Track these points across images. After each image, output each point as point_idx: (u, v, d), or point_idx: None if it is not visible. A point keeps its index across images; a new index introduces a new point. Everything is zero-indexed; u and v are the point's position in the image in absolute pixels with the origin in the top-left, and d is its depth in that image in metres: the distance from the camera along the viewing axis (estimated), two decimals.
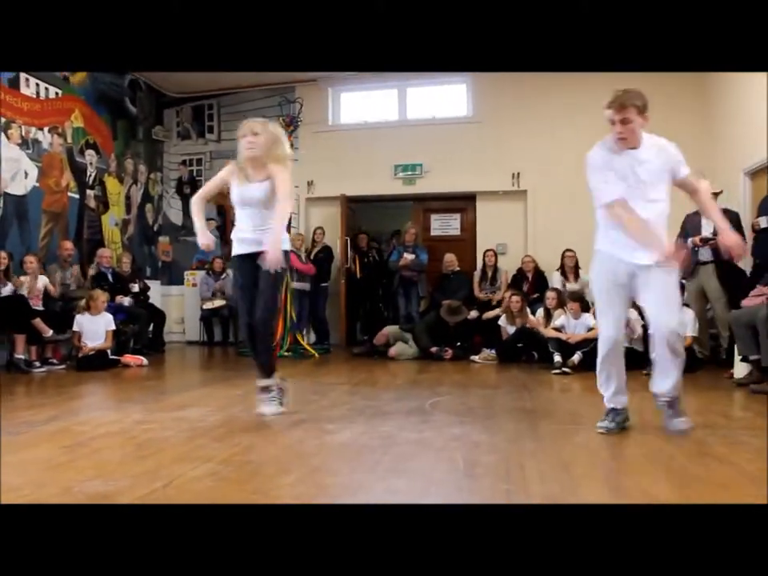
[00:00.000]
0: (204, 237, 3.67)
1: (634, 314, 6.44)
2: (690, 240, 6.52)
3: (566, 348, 6.15)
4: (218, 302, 9.00)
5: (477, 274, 8.51)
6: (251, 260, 3.63)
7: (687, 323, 6.04)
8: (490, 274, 8.37)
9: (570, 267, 7.87)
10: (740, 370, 5.27)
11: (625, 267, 3.20)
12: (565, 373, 5.86)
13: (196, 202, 3.80)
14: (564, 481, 2.42)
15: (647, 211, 3.11)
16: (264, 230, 3.60)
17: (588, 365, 6.11)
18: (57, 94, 7.71)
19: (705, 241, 6.38)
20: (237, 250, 3.76)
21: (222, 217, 9.95)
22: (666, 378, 3.31)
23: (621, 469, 2.63)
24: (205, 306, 9.07)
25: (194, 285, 9.49)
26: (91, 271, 7.58)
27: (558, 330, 6.38)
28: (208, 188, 3.86)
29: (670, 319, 3.17)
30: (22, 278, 6.39)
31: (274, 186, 3.59)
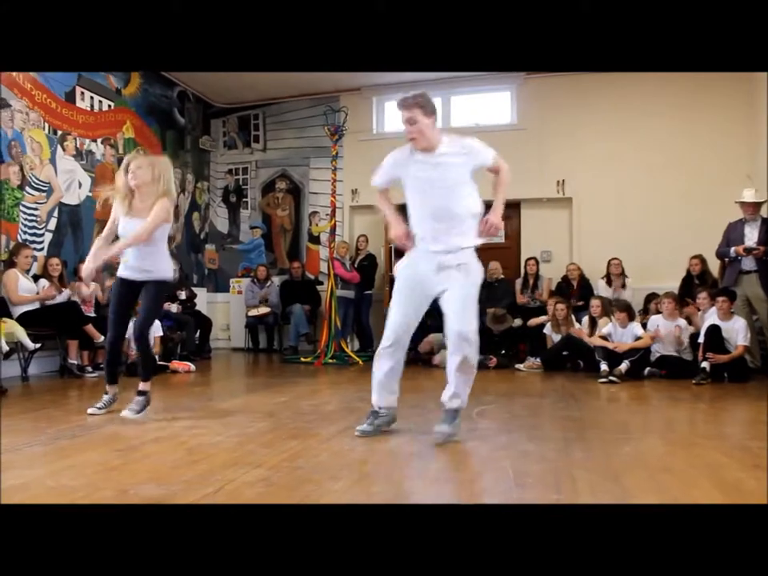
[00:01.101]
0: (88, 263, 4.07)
1: (682, 322, 6.34)
2: (732, 249, 6.41)
3: (613, 357, 6.07)
4: (263, 310, 9.10)
5: (519, 282, 8.45)
6: (128, 285, 4.02)
7: (738, 332, 5.91)
8: (531, 281, 8.31)
9: (616, 275, 7.78)
10: None
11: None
12: (612, 382, 5.77)
13: (100, 241, 4.11)
14: (615, 492, 2.39)
15: (454, 208, 3.19)
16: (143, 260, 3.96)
17: (636, 374, 6.04)
18: (109, 106, 7.93)
19: (748, 251, 6.27)
20: (120, 272, 4.09)
21: (268, 225, 10.08)
22: (453, 388, 3.33)
23: (673, 481, 2.58)
24: (250, 314, 9.18)
25: (240, 292, 9.62)
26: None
27: (604, 338, 6.30)
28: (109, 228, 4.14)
29: (463, 323, 3.16)
30: (76, 285, 6.58)
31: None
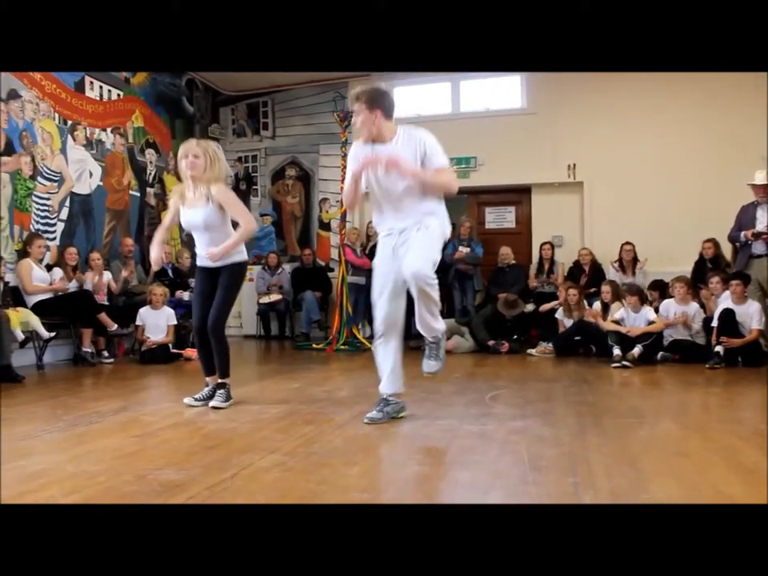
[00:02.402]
0: (154, 253, 4.00)
1: (695, 307, 6.32)
2: (742, 234, 6.37)
3: (625, 341, 6.06)
4: (275, 297, 9.11)
5: (533, 267, 8.43)
6: (207, 273, 3.95)
7: (753, 316, 5.88)
8: (546, 266, 8.28)
9: (628, 261, 7.75)
10: None
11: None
12: (625, 366, 5.76)
13: (159, 232, 4.10)
14: (631, 476, 2.39)
15: (404, 197, 3.31)
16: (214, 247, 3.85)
17: (648, 358, 6.02)
18: (119, 95, 7.93)
19: (757, 235, 6.23)
20: (199, 263, 4.06)
21: (278, 212, 10.08)
22: (418, 320, 3.38)
23: (689, 465, 2.57)
24: (261, 301, 9.19)
25: (251, 280, 9.61)
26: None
27: (617, 323, 6.29)
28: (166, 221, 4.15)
29: (414, 263, 3.19)
30: (88, 274, 6.62)
31: (215, 210, 3.82)
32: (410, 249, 3.27)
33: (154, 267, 4.17)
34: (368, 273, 8.72)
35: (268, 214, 10.10)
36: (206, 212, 3.80)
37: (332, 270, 9.38)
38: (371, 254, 8.84)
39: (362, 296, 8.74)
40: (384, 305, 3.40)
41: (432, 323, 3.40)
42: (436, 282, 3.27)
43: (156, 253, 3.98)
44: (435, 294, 3.30)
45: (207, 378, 4.03)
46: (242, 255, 3.97)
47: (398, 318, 3.45)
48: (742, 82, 7.94)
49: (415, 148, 3.29)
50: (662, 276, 7.27)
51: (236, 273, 3.95)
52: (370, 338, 8.28)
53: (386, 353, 3.44)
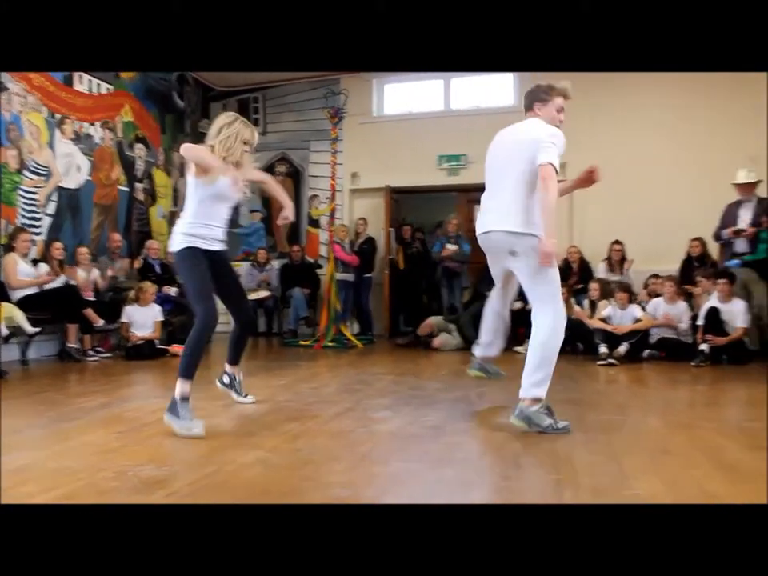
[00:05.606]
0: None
1: (683, 306, 6.34)
2: (724, 232, 6.41)
3: (612, 339, 6.07)
4: (263, 293, 9.09)
5: None
6: (207, 257, 3.37)
7: (738, 314, 5.91)
8: None
9: (617, 260, 7.76)
10: None
11: None
12: (611, 364, 5.78)
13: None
14: (615, 473, 2.39)
15: None
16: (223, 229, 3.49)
17: (635, 356, 6.04)
18: (108, 89, 7.87)
19: (737, 232, 6.28)
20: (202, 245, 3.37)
21: (267, 209, 10.05)
22: None
23: (673, 462, 2.58)
24: (249, 297, 9.13)
25: (239, 276, 9.60)
26: (137, 263, 7.69)
27: (604, 320, 6.30)
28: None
29: None
30: (78, 270, 6.58)
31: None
32: None
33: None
34: (357, 270, 8.75)
35: (257, 210, 10.06)
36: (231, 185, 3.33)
37: (321, 266, 9.36)
38: (360, 251, 8.89)
39: (350, 293, 8.76)
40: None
41: None
42: None
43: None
44: None
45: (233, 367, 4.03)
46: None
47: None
48: (730, 83, 7.96)
49: None
50: (647, 275, 7.31)
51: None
52: (358, 335, 8.33)
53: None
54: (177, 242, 3.33)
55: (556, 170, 3.07)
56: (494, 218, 3.28)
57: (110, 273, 7.09)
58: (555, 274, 3.19)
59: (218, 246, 3.44)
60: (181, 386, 3.13)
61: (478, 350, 3.84)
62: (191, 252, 3.30)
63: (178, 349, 6.46)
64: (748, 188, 6.48)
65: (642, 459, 2.61)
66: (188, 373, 3.19)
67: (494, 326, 3.75)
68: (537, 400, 3.10)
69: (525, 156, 3.12)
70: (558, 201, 3.06)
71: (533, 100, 3.38)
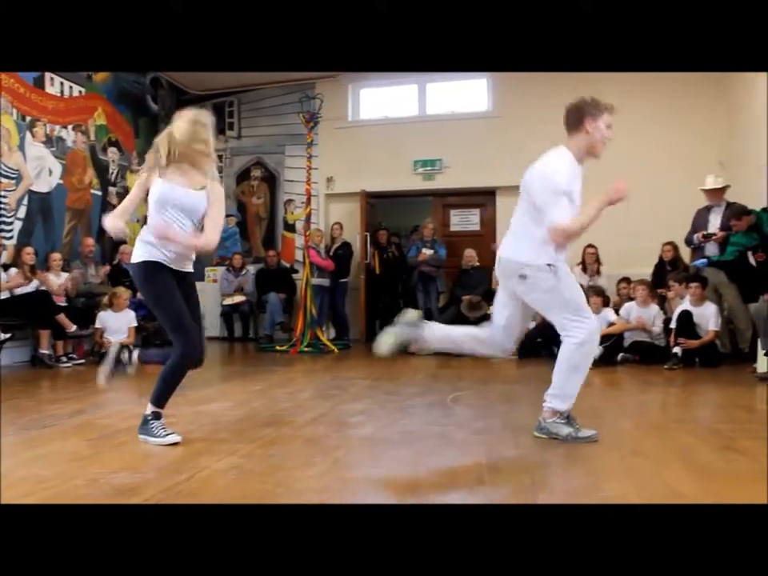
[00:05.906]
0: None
1: (655, 309, 6.42)
2: (695, 236, 6.52)
3: None
4: (238, 298, 9.05)
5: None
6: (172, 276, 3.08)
7: (710, 317, 5.99)
8: None
9: (591, 264, 7.83)
10: (763, 364, 5.20)
11: None
12: None
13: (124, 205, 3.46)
14: (587, 476, 2.42)
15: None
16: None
17: (609, 359, 6.09)
18: (80, 92, 7.79)
19: (707, 237, 6.39)
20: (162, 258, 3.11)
21: (243, 213, 10.00)
22: None
23: (644, 463, 2.61)
24: (225, 302, 9.13)
25: (215, 281, 9.56)
26: (106, 268, 7.56)
27: None
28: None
29: None
30: (50, 275, 6.49)
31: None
32: None
33: (117, 234, 3.26)
34: (332, 275, 8.74)
35: (232, 215, 10.01)
36: (204, 200, 3.09)
37: (296, 271, 9.33)
38: (335, 256, 8.88)
39: (326, 298, 8.74)
40: None
41: None
42: None
43: (117, 223, 3.19)
44: None
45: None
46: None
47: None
48: (702, 87, 8.10)
49: None
50: (624, 277, 7.39)
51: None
52: (334, 340, 8.31)
53: None
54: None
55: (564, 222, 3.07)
56: (508, 244, 3.32)
57: (90, 278, 7.02)
58: (571, 295, 3.13)
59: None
60: (151, 408, 3.04)
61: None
62: (153, 266, 3.04)
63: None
64: (716, 193, 6.59)
65: (615, 461, 2.64)
66: (159, 402, 3.01)
67: None
68: (556, 412, 3.08)
69: (529, 188, 3.20)
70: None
71: (582, 116, 3.19)
